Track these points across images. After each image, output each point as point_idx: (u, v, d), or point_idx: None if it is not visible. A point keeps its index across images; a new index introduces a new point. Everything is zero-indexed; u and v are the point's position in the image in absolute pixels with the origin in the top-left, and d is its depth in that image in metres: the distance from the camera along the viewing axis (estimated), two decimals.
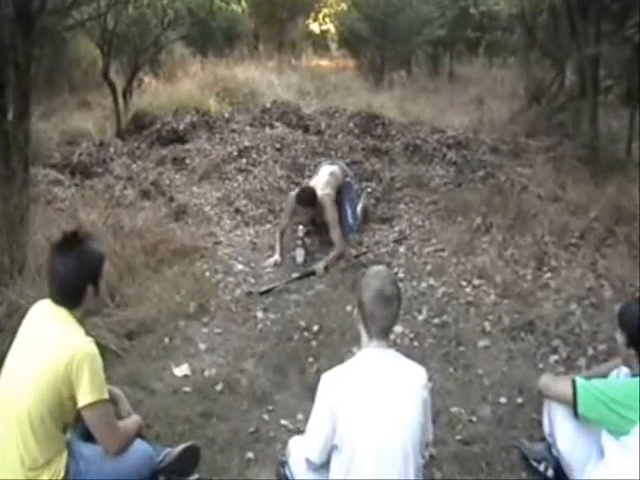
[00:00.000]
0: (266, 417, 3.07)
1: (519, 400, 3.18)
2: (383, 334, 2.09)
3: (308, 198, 4.89)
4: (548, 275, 4.52)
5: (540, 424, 2.72)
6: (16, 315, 3.23)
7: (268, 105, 9.15)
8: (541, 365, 3.46)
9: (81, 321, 2.22)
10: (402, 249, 5.19)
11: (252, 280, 4.67)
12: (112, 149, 7.50)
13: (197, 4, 10.15)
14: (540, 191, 6.14)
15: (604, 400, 2.22)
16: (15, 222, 3.95)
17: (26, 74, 4.04)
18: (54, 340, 2.10)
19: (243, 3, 13.11)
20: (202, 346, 3.73)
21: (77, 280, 2.16)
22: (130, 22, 9.32)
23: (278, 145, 7.64)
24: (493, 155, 7.72)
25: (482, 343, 3.71)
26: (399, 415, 1.98)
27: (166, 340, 3.75)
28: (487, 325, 3.90)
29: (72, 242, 2.19)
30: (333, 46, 23.30)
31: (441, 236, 5.33)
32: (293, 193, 5.14)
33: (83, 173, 6.76)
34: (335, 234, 4.93)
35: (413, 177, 6.88)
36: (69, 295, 2.18)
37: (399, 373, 2.06)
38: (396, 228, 5.70)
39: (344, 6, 19.00)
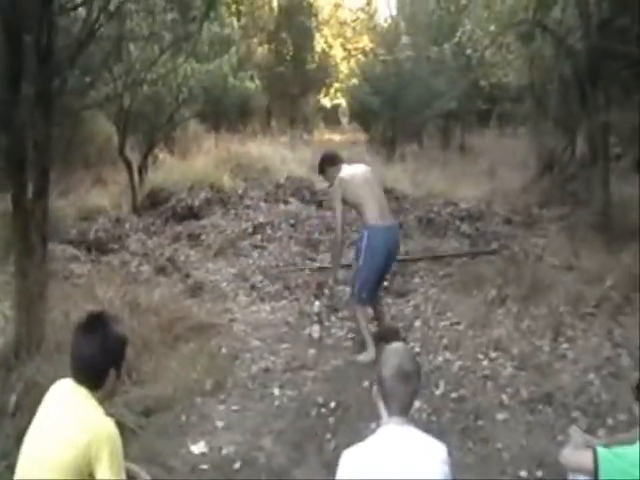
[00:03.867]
0: None
1: (539, 474, 3.17)
2: (403, 411, 2.10)
3: (319, 162, 4.87)
4: (565, 345, 4.56)
5: None
6: (33, 393, 3.29)
7: (282, 181, 9.44)
8: (560, 437, 3.42)
9: (101, 401, 2.25)
10: (418, 323, 5.25)
11: (268, 356, 4.73)
12: (128, 225, 7.77)
13: (211, 82, 10.55)
14: (554, 261, 6.25)
15: (625, 467, 2.19)
16: (34, 298, 4.04)
17: (45, 152, 4.17)
18: (75, 420, 2.13)
19: (256, 80, 13.62)
20: (219, 423, 3.77)
21: (101, 364, 2.19)
22: (145, 100, 9.67)
23: (292, 221, 7.87)
24: (507, 226, 7.87)
25: (500, 416, 3.73)
26: None
27: (183, 417, 3.81)
28: (505, 398, 3.92)
29: (97, 324, 2.23)
30: (344, 120, 24.16)
31: (456, 309, 5.40)
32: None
33: (99, 249, 6.99)
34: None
35: (427, 250, 7.01)
36: (92, 377, 2.20)
37: (419, 450, 2.06)
38: (411, 302, 5.78)
39: (355, 80, 19.73)
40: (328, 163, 4.81)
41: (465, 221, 8.04)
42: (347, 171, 4.71)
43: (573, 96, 9.16)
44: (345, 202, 4.63)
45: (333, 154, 4.97)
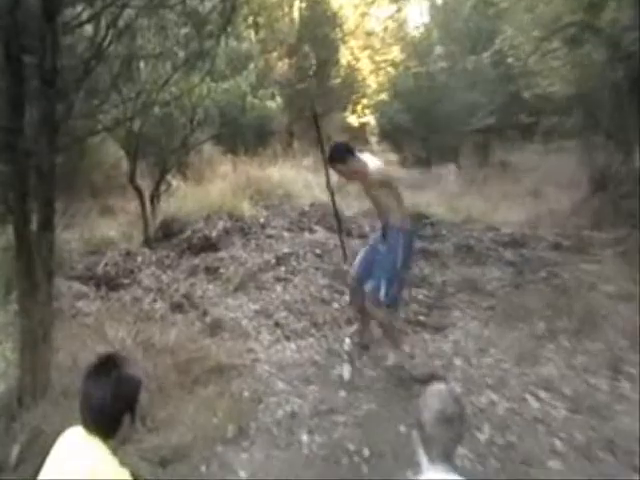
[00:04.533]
0: None
1: None
2: (445, 458, 2.11)
3: (333, 150, 4.98)
4: (625, 384, 4.54)
5: None
6: (39, 443, 3.35)
7: (306, 208, 9.54)
8: None
9: (115, 450, 2.28)
10: (458, 361, 5.26)
11: (295, 400, 4.75)
12: (139, 259, 7.84)
13: (228, 102, 10.70)
14: (610, 289, 6.22)
15: None
16: (38, 339, 4.09)
17: (50, 181, 4.21)
18: (88, 472, 2.14)
19: (278, 99, 13.78)
20: (242, 473, 3.81)
21: (114, 410, 2.20)
22: (157, 123, 9.69)
23: (319, 251, 7.92)
24: (555, 252, 7.84)
25: (553, 465, 3.71)
26: None
27: (202, 467, 3.85)
28: (558, 444, 3.91)
29: (108, 367, 2.24)
30: (373, 139, 24.22)
31: (500, 345, 5.42)
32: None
33: (109, 285, 7.07)
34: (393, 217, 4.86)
35: (466, 280, 7.01)
36: (104, 425, 2.21)
37: None
38: (450, 337, 5.79)
39: (384, 96, 19.85)
40: (349, 152, 4.91)
41: (508, 247, 8.04)
42: (376, 163, 4.96)
43: (628, 105, 9.13)
44: (374, 196, 4.91)
45: (348, 144, 5.09)
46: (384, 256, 4.84)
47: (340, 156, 4.87)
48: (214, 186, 11.08)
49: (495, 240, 8.25)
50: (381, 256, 4.87)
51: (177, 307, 6.41)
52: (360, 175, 4.87)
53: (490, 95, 14.82)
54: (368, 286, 4.92)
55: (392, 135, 17.52)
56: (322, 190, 12.14)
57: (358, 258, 5.21)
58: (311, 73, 22.64)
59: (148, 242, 8.71)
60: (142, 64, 8.45)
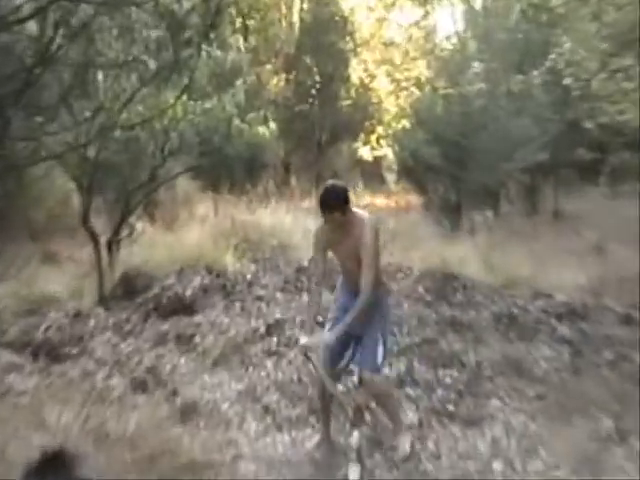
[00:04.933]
0: None
1: None
2: None
3: (335, 195, 5.05)
4: None
5: None
6: None
7: (305, 263, 9.49)
8: None
9: None
10: (497, 465, 5.24)
11: None
12: (92, 322, 7.87)
13: (210, 126, 10.77)
14: None
15: None
16: None
17: None
18: None
19: (271, 124, 13.89)
20: None
21: None
22: (119, 149, 9.78)
23: (321, 318, 7.78)
24: (625, 327, 7.84)
25: None
26: None
27: None
28: None
29: (54, 468, 2.20)
30: (391, 178, 24.32)
31: (553, 446, 5.39)
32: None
33: (51, 355, 7.06)
34: (367, 277, 5.02)
35: (509, 361, 7.03)
36: None
37: None
38: (487, 434, 5.77)
39: (406, 123, 19.97)
40: (348, 198, 5.07)
41: (564, 320, 8.03)
42: (366, 215, 5.22)
43: None
44: (365, 253, 5.06)
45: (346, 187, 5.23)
46: (373, 321, 5.18)
47: (340, 203, 5.00)
48: (190, 232, 11.10)
49: (546, 310, 8.24)
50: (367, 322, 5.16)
51: (139, 385, 6.41)
52: (357, 227, 5.06)
53: (542, 125, 14.85)
54: (360, 354, 5.26)
55: (414, 172, 17.45)
56: None
57: (328, 337, 5.15)
58: (314, 92, 22.86)
59: (104, 301, 8.70)
60: (101, 75, 8.51)
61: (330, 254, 5.34)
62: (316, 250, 5.25)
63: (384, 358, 5.23)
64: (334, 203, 4.98)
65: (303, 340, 5.13)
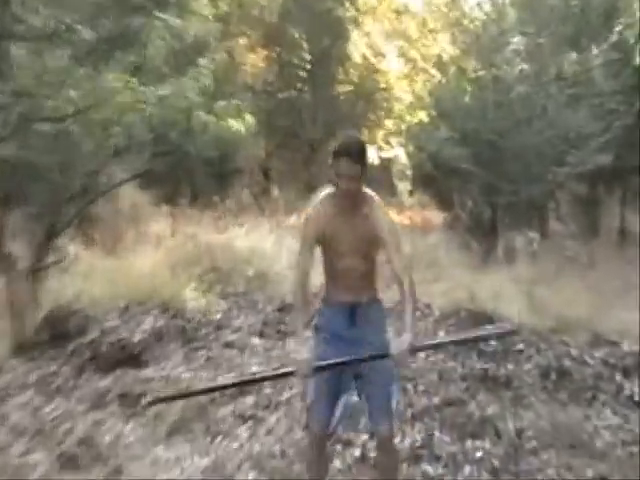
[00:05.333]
0: None
1: None
2: None
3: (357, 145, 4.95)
4: None
5: None
6: None
7: (290, 297, 9.51)
8: None
9: None
10: None
11: None
12: (8, 377, 7.84)
13: (166, 118, 10.63)
14: None
15: None
16: None
17: None
18: None
19: (248, 117, 13.75)
20: None
21: None
22: (44, 148, 9.58)
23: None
24: None
25: None
26: None
27: None
28: None
29: None
30: (403, 187, 24.30)
31: None
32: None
33: None
34: (403, 260, 4.90)
35: (560, 430, 6.99)
36: None
37: None
38: None
39: (423, 116, 19.95)
40: None
41: (632, 376, 8.04)
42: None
43: None
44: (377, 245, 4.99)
45: None
46: (375, 348, 4.88)
47: (366, 161, 4.97)
48: (139, 257, 11.14)
49: (609, 362, 8.23)
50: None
51: (70, 461, 6.33)
52: (368, 205, 4.99)
53: (604, 118, 14.83)
54: (375, 406, 5.01)
55: (435, 181, 17.46)
56: (317, 268, 12.21)
57: (318, 386, 5.13)
58: (303, 74, 22.83)
59: (23, 349, 8.68)
60: (16, 49, 8.49)
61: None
62: (307, 243, 5.04)
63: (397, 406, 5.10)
64: (365, 156, 4.93)
65: (299, 351, 4.90)
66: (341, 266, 5.08)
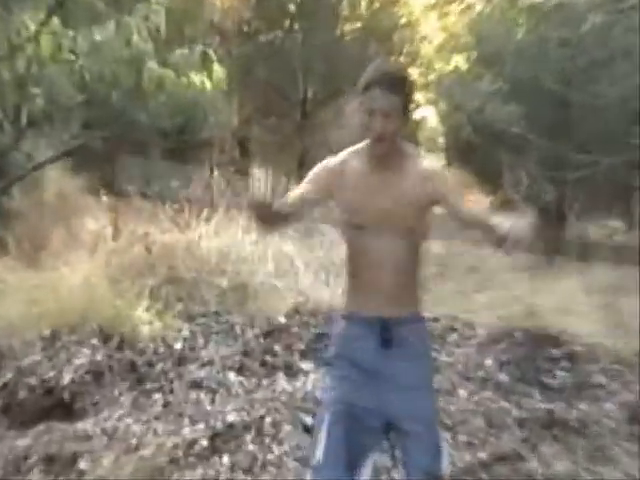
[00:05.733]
0: None
1: None
2: None
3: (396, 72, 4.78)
4: None
5: None
6: None
7: (281, 318, 9.55)
8: None
9: None
10: None
11: None
12: None
13: (102, 73, 10.42)
14: None
15: None
16: None
17: None
18: None
19: (217, 69, 13.59)
20: None
21: None
22: None
23: (309, 420, 7.75)
24: None
25: None
26: None
27: None
28: None
29: None
30: (434, 159, 24.43)
31: None
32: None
33: None
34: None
35: None
36: None
37: None
38: None
39: (459, 60, 19.89)
40: None
41: None
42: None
43: None
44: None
45: None
46: (417, 388, 4.83)
47: (406, 98, 4.72)
48: (71, 268, 11.06)
49: None
50: (409, 391, 4.80)
51: None
52: (411, 163, 4.85)
53: None
54: (413, 444, 4.77)
55: (476, 152, 17.53)
56: (314, 274, 12.14)
57: (333, 439, 4.82)
58: (292, 7, 22.79)
59: None
60: None
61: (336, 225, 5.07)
62: (312, 188, 4.83)
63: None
64: (406, 88, 4.71)
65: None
66: (372, 253, 4.80)
